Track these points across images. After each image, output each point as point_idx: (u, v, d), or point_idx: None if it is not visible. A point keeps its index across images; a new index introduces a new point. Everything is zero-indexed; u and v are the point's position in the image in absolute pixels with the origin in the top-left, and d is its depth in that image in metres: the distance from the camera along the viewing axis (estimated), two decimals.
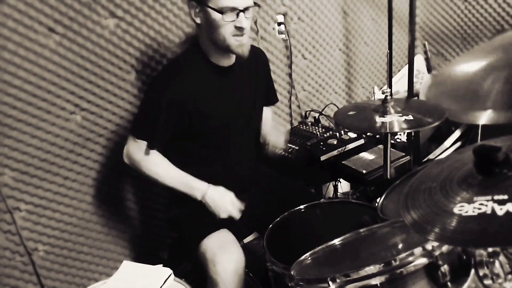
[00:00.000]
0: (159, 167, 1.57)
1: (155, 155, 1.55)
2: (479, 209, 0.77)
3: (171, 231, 1.87)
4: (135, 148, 1.56)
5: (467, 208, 0.79)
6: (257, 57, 1.72)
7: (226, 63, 1.57)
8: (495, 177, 0.82)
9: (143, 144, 1.53)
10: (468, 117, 1.63)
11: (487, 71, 0.95)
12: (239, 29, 1.43)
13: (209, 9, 1.41)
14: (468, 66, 1.01)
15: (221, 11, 1.40)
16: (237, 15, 1.42)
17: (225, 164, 1.64)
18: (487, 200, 0.78)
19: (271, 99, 1.90)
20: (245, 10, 1.42)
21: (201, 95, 1.52)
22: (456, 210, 0.79)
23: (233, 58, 1.58)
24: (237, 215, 1.54)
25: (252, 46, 1.83)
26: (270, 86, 1.87)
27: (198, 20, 1.49)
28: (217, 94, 1.56)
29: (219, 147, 1.62)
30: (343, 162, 1.95)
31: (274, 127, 1.88)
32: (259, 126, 1.81)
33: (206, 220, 1.55)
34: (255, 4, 1.49)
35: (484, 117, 1.59)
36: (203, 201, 1.54)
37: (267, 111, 1.87)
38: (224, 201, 1.53)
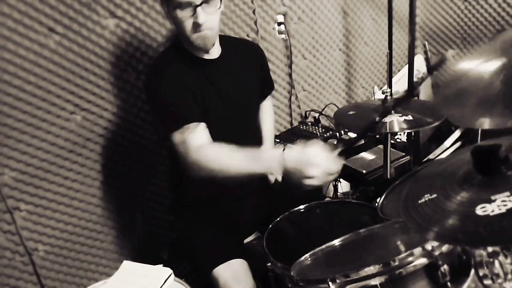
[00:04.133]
0: (223, 151, 1.37)
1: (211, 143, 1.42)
2: (505, 205, 0.75)
3: (182, 248, 1.72)
4: (194, 136, 1.38)
5: (489, 207, 0.77)
6: (249, 51, 1.66)
7: (209, 56, 1.52)
8: (496, 176, 0.82)
9: (195, 126, 1.39)
10: (470, 122, 1.63)
11: (495, 73, 0.93)
12: (196, 25, 1.36)
13: (171, 7, 1.37)
14: (475, 68, 0.99)
15: (177, 6, 1.35)
16: (194, 10, 1.34)
17: None
18: (507, 196, 0.77)
19: (267, 87, 1.80)
20: (203, 3, 1.33)
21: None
22: (480, 212, 0.77)
23: (216, 51, 1.53)
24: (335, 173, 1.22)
25: (246, 41, 1.79)
26: (266, 78, 1.77)
27: (170, 22, 1.46)
28: (200, 87, 1.50)
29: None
30: None
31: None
32: (259, 126, 1.79)
33: (220, 247, 1.49)
34: None
35: (487, 122, 1.59)
36: (285, 172, 1.26)
37: (266, 115, 1.81)
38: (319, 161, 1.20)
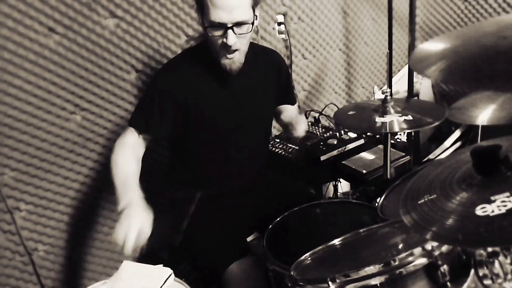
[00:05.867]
0: (119, 154, 1.43)
1: (129, 145, 1.45)
2: (505, 206, 0.75)
3: (183, 247, 1.67)
4: (122, 136, 1.47)
5: (489, 208, 0.76)
6: (268, 61, 1.66)
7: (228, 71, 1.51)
8: (496, 176, 0.82)
9: (134, 131, 1.46)
10: (467, 118, 1.63)
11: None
12: (225, 46, 1.37)
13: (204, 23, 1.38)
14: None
15: (210, 25, 1.36)
16: (225, 31, 1.35)
17: (227, 167, 1.63)
18: (507, 196, 0.76)
19: (288, 100, 1.83)
20: (235, 26, 1.34)
21: (200, 91, 1.50)
22: (480, 212, 0.77)
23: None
24: (126, 249, 1.26)
25: (266, 48, 1.77)
26: (286, 88, 1.78)
27: (202, 31, 1.46)
28: (218, 94, 1.54)
29: (221, 149, 1.60)
30: (343, 162, 1.95)
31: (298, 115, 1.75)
32: (269, 131, 1.79)
33: (230, 247, 1.50)
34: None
35: (484, 119, 1.60)
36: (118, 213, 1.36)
37: (291, 108, 1.83)
38: (128, 229, 1.29)
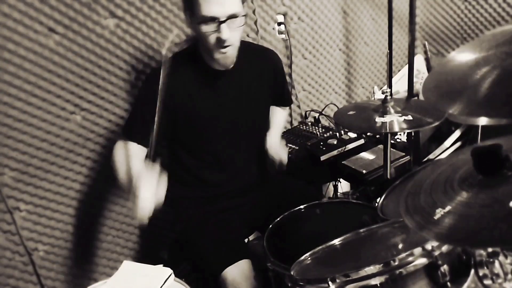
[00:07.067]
0: (122, 155, 1.48)
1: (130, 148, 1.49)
2: None
3: (181, 248, 1.74)
4: (119, 149, 1.51)
5: None
6: (263, 60, 1.64)
7: (221, 67, 1.50)
8: (499, 176, 0.81)
9: (130, 144, 1.48)
10: (468, 118, 1.63)
11: (481, 64, 0.90)
12: (219, 40, 1.35)
13: (195, 21, 1.37)
14: (464, 59, 0.96)
15: (202, 21, 1.34)
16: (219, 25, 1.33)
17: (224, 168, 1.62)
18: None
19: (282, 101, 1.84)
20: (228, 19, 1.33)
21: (189, 94, 1.49)
22: None
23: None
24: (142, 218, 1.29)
25: (261, 47, 1.77)
26: (280, 88, 1.77)
27: (192, 32, 1.46)
28: (209, 97, 1.52)
29: (216, 150, 1.59)
30: (343, 162, 1.95)
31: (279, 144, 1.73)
32: (265, 132, 1.79)
33: (227, 249, 1.49)
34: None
35: (484, 119, 1.59)
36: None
37: (279, 113, 1.83)
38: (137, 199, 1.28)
